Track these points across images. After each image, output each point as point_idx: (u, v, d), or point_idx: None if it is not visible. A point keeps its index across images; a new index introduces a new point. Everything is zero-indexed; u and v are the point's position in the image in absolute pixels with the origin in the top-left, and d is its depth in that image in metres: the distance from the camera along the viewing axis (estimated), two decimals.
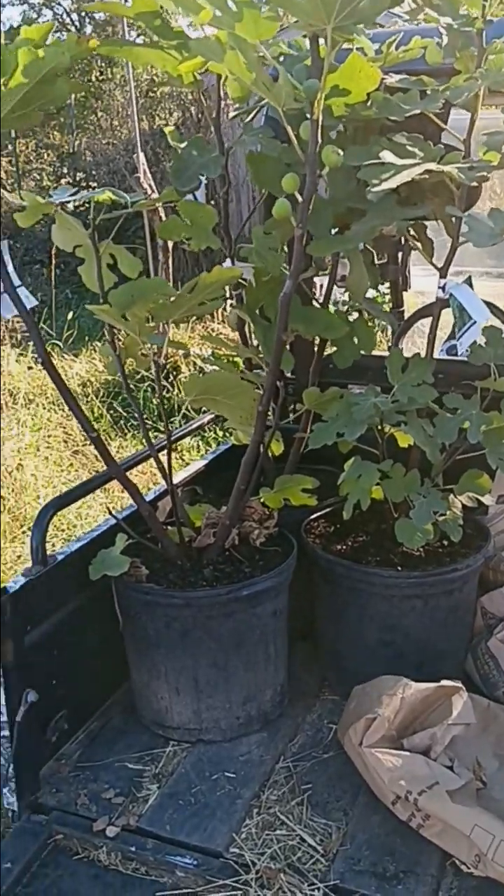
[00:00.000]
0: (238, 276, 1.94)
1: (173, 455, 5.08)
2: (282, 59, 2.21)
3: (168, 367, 7.14)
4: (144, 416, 5.90)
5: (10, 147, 10.84)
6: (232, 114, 2.25)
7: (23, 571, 1.95)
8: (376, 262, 3.05)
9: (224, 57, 1.78)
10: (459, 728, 1.89)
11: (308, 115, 1.89)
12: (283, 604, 2.15)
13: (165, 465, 2.15)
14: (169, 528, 2.22)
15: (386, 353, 2.71)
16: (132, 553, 2.08)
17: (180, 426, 5.56)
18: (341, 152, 1.87)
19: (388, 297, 4.65)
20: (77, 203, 2.13)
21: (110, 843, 1.85)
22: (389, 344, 4.31)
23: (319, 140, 1.84)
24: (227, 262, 2.34)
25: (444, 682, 1.96)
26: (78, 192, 2.09)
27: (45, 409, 6.23)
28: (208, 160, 2.10)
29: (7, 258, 1.93)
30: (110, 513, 2.16)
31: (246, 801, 1.94)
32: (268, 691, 2.15)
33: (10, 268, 1.97)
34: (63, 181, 10.65)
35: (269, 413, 2.51)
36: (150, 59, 2.14)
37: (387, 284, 3.62)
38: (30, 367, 6.76)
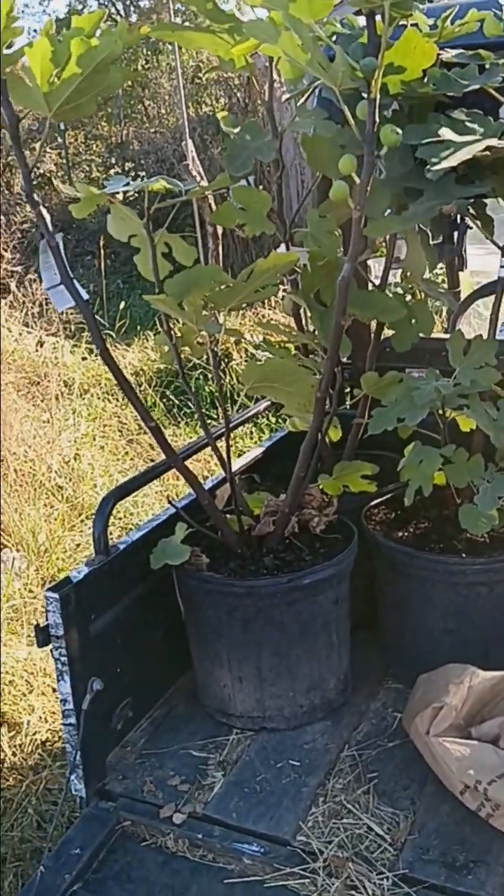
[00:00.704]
0: (295, 260, 1.92)
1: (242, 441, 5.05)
2: (335, 38, 2.17)
3: (220, 354, 7.16)
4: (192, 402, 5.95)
5: (59, 139, 10.90)
6: (285, 96, 2.22)
7: (85, 561, 1.97)
8: (431, 241, 3.00)
9: (278, 38, 1.75)
10: None
11: (363, 95, 1.85)
12: (345, 591, 2.13)
13: (224, 453, 2.14)
14: (228, 516, 2.21)
15: (443, 336, 2.67)
16: (192, 542, 2.08)
17: (234, 414, 5.59)
18: (400, 131, 1.82)
19: (441, 279, 4.57)
20: (130, 193, 2.12)
21: (177, 830, 1.86)
22: (445, 326, 4.25)
23: (377, 119, 1.80)
24: (282, 247, 2.32)
25: None
26: (131, 182, 2.09)
27: (99, 398, 6.29)
28: (262, 144, 2.07)
29: (62, 251, 1.93)
30: (170, 502, 2.16)
31: (311, 790, 1.93)
32: (331, 679, 2.14)
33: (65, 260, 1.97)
34: (112, 171, 10.70)
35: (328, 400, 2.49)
36: (202, 43, 2.12)
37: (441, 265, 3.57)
38: (84, 358, 6.83)
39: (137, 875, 1.81)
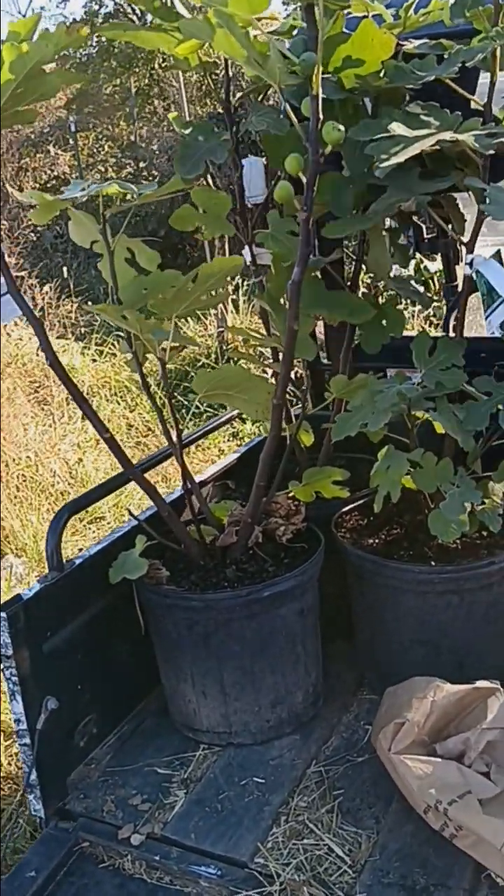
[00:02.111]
0: (240, 265, 1.86)
1: (228, 442, 4.99)
2: (296, 32, 2.11)
3: (229, 351, 7.09)
4: (202, 409, 5.90)
5: (71, 142, 10.93)
6: (239, 94, 2.16)
7: (38, 578, 1.93)
8: (426, 235, 2.92)
9: (213, 36, 1.69)
10: (496, 732, 1.78)
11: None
12: (311, 602, 2.07)
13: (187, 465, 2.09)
14: (193, 527, 2.16)
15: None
16: (155, 554, 2.04)
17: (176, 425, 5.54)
18: (342, 128, 1.76)
19: (438, 274, 4.48)
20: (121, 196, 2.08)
21: (135, 852, 1.82)
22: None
23: (321, 117, 1.73)
24: (246, 250, 2.26)
25: (480, 684, 1.85)
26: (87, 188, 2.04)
27: (108, 401, 6.28)
28: (215, 145, 2.01)
29: (5, 260, 1.89)
30: (131, 514, 2.12)
31: (274, 808, 1.88)
32: (299, 693, 2.08)
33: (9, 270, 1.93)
34: (124, 172, 10.69)
35: (297, 403, 2.43)
36: (155, 42, 2.07)
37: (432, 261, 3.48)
38: (94, 360, 6.82)
39: None
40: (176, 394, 6.51)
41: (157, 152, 10.48)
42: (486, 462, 2.17)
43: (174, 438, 2.07)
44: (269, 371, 2.48)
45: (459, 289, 3.66)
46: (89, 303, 2.04)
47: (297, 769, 1.98)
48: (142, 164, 10.85)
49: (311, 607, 2.07)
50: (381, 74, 1.96)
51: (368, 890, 1.66)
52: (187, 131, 2.04)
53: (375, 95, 2.09)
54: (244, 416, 3.81)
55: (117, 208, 2.09)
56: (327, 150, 1.78)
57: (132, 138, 11.41)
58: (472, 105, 2.03)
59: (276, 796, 1.91)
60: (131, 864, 1.82)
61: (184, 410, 6.32)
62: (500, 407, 1.97)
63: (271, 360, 2.38)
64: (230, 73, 2.15)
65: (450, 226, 3.33)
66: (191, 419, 6.14)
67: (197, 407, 6.14)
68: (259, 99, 2.21)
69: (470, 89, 2.03)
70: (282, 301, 2.17)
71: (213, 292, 1.86)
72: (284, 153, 2.10)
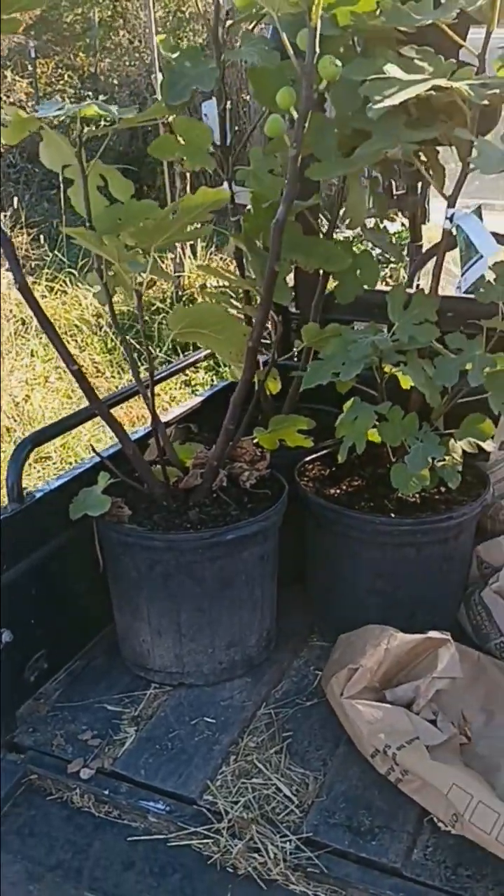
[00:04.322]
0: (225, 198, 1.81)
1: (181, 390, 4.94)
2: None
3: (185, 298, 6.99)
4: (161, 350, 5.82)
5: (29, 68, 10.51)
6: (230, 22, 2.08)
7: None
8: (395, 192, 2.89)
9: None
10: (444, 682, 1.82)
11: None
12: (271, 548, 2.07)
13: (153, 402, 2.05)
14: (156, 467, 2.13)
15: (386, 289, 2.58)
16: (117, 493, 2.01)
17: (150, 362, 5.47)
18: (340, 64, 1.71)
19: (396, 235, 4.44)
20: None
21: (84, 786, 1.82)
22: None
23: (317, 51, 1.68)
24: (224, 186, 2.20)
25: (432, 634, 1.88)
26: (65, 107, 1.95)
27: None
28: (202, 72, 1.95)
29: None
30: (94, 450, 2.08)
31: (224, 748, 1.89)
32: (253, 636, 2.09)
33: None
34: (84, 103, 10.35)
35: (266, 349, 2.40)
36: None
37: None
38: (43, 297, 6.65)
39: (40, 830, 1.76)
40: (128, 338, 6.42)
41: (119, 86, 10.15)
42: (447, 420, 2.18)
43: (142, 376, 2.02)
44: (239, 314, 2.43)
45: (428, 245, 3.68)
46: (63, 227, 1.95)
47: (247, 711, 2.00)
48: (102, 97, 10.52)
49: (272, 553, 2.07)
50: (378, 13, 1.90)
51: (315, 829, 1.69)
52: (174, 56, 1.96)
53: (366, 36, 2.04)
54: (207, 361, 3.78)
55: (91, 133, 2.01)
56: (322, 86, 1.73)
57: (93, 70, 11.04)
58: (461, 55, 2.00)
59: (225, 736, 1.93)
60: (80, 798, 1.82)
61: (136, 355, 6.23)
62: (470, 364, 1.98)
63: (241, 304, 2.34)
64: (221, 1, 2.07)
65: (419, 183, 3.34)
66: (142, 364, 6.06)
67: (150, 351, 6.06)
68: (245, 29, 2.13)
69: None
70: (258, 243, 2.14)
71: (197, 225, 1.80)
72: (271, 87, 2.04)
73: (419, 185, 3.44)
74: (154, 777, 1.82)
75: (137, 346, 4.07)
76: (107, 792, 1.80)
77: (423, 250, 3.56)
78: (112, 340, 6.19)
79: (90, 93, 10.16)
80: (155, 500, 2.08)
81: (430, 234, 3.73)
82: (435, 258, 3.53)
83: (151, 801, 1.78)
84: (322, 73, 1.68)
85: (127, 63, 10.90)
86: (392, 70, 1.74)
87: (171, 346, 5.82)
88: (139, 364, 1.99)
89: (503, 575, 2.14)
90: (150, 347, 1.97)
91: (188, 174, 6.77)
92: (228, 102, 2.18)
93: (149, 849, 1.71)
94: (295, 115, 1.74)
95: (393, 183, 2.88)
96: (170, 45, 1.98)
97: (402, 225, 4.81)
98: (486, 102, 1.78)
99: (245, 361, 1.93)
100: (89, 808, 1.80)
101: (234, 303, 2.32)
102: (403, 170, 2.81)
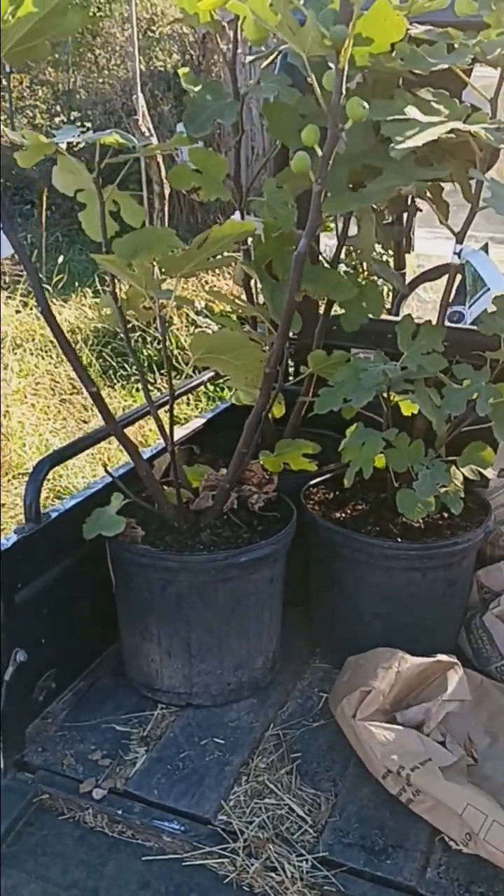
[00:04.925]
0: (252, 230, 1.86)
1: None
2: (304, 1, 2.10)
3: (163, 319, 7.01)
4: (134, 368, 5.83)
5: (3, 82, 10.50)
6: (249, 58, 2.14)
7: (15, 528, 1.89)
8: (383, 222, 2.97)
9: None
10: (454, 704, 1.87)
11: (330, 64, 1.79)
12: (280, 570, 2.11)
13: (166, 423, 2.08)
14: (166, 488, 2.16)
15: (390, 318, 2.65)
16: (127, 513, 2.03)
17: (173, 379, 5.46)
18: (367, 105, 1.77)
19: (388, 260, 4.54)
20: (75, 144, 2.03)
21: (96, 806, 1.83)
22: (388, 307, 4.25)
23: (344, 91, 1.74)
24: (237, 215, 2.25)
25: (440, 657, 1.93)
26: (82, 134, 1.99)
27: (32, 354, 6.12)
28: (223, 106, 2.00)
29: (5, 198, 1.83)
30: (107, 471, 2.10)
31: (235, 768, 1.92)
32: (259, 658, 2.12)
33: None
34: (57, 119, 10.36)
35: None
36: None
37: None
38: (18, 311, 6.62)
39: (53, 849, 1.76)
40: (104, 354, 6.42)
41: (93, 104, 10.18)
42: (447, 447, 2.25)
43: (155, 395, 2.05)
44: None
45: (412, 274, 3.77)
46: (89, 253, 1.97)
47: (255, 732, 2.03)
48: (75, 114, 10.54)
49: (280, 575, 2.11)
50: (393, 55, 1.98)
51: (330, 849, 1.72)
52: (196, 89, 2.01)
53: (375, 77, 2.11)
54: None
55: (111, 160, 2.04)
56: (347, 125, 1.79)
57: (66, 87, 11.05)
58: (467, 98, 2.09)
59: (235, 757, 1.95)
60: (93, 818, 1.82)
61: (111, 372, 6.24)
62: (477, 394, 2.05)
63: (249, 328, 2.39)
64: (238, 36, 2.12)
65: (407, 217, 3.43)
66: (118, 381, 6.07)
67: (125, 368, 6.07)
68: (263, 66, 2.19)
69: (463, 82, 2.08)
70: (275, 272, 2.19)
71: (221, 254, 1.85)
72: (285, 122, 2.11)
73: (405, 215, 3.55)
74: (167, 797, 1.84)
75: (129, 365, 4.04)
76: (120, 812, 1.82)
77: (407, 279, 3.67)
78: (87, 357, 6.18)
79: (65, 109, 10.18)
80: (166, 521, 2.11)
81: (410, 263, 3.85)
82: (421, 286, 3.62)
83: (165, 820, 1.79)
84: (350, 113, 1.74)
85: (100, 81, 10.94)
86: (413, 112, 1.81)
87: (148, 366, 5.85)
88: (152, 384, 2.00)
89: None
90: (170, 367, 1.99)
91: (167, 196, 6.81)
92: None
93: (164, 868, 1.73)
94: (319, 151, 1.80)
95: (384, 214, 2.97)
96: (192, 79, 2.02)
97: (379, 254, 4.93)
98: (502, 146, 1.85)
99: (262, 386, 1.97)
100: (102, 828, 1.81)
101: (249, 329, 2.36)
102: (392, 202, 2.90)
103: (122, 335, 2.03)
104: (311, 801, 1.85)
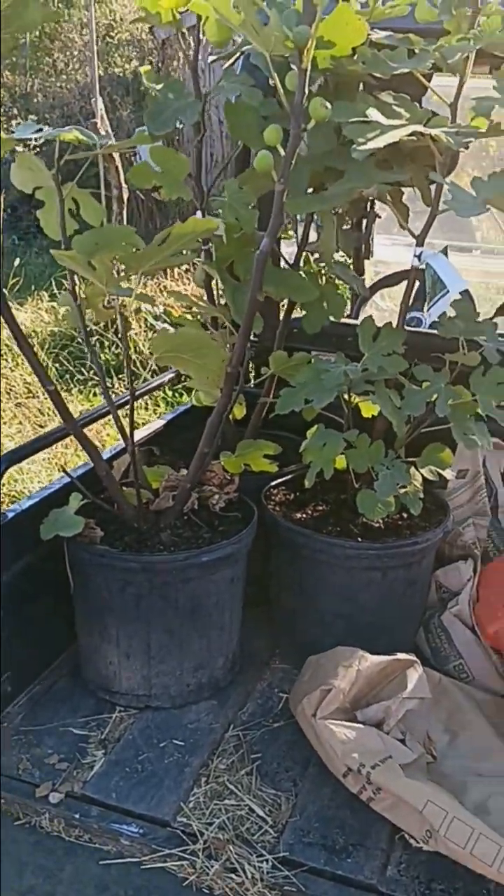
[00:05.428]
0: (214, 228, 1.86)
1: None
2: (266, 1, 2.11)
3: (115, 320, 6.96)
4: (91, 372, 5.78)
5: None
6: (211, 58, 2.14)
7: None
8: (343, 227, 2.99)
9: None
10: (414, 702, 1.88)
11: (292, 66, 1.80)
12: (241, 571, 2.10)
13: (126, 424, 2.06)
14: (126, 489, 2.14)
15: (350, 321, 2.67)
16: (86, 514, 2.00)
17: (131, 383, 5.42)
18: (329, 106, 1.78)
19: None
20: (36, 143, 2.01)
21: (53, 810, 1.80)
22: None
23: (306, 91, 1.75)
24: (198, 216, 2.24)
25: (400, 655, 1.94)
26: (42, 130, 1.97)
27: None
28: (185, 105, 2.00)
29: None
30: (65, 471, 2.07)
31: (194, 770, 1.90)
32: (220, 659, 2.11)
33: None
34: (14, 123, 10.26)
35: None
36: None
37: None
38: None
39: (9, 855, 1.73)
40: (60, 357, 6.36)
41: (51, 108, 10.12)
42: (406, 449, 2.26)
43: (115, 395, 2.03)
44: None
45: (370, 279, 3.79)
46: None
47: (215, 733, 2.01)
48: (32, 117, 10.45)
49: (241, 575, 2.10)
50: (355, 58, 1.99)
51: (291, 849, 1.71)
52: (158, 87, 2.00)
53: (336, 80, 2.13)
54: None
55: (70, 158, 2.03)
56: (310, 126, 1.80)
57: (24, 90, 10.96)
58: (427, 103, 2.12)
59: (195, 758, 1.94)
60: (49, 822, 1.79)
61: (68, 377, 6.18)
62: (436, 396, 2.07)
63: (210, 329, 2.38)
64: (200, 36, 2.12)
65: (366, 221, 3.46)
66: (75, 386, 6.01)
67: (81, 373, 6.01)
68: (226, 67, 2.19)
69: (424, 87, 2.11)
70: (237, 273, 2.19)
71: (183, 252, 1.84)
72: (247, 123, 2.11)
73: (364, 221, 3.58)
74: (125, 800, 1.82)
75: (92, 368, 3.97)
76: (77, 816, 1.79)
77: (366, 284, 3.70)
78: (44, 360, 6.11)
79: (22, 112, 10.09)
80: (125, 521, 2.09)
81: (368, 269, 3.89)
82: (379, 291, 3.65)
83: (124, 823, 1.77)
84: (313, 114, 1.75)
85: (58, 85, 10.87)
86: (374, 114, 1.83)
87: (106, 371, 5.80)
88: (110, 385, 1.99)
89: (462, 599, 2.22)
90: (130, 367, 1.98)
91: (125, 198, 6.78)
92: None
93: (122, 872, 1.70)
94: (282, 151, 1.81)
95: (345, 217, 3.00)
96: (154, 77, 2.02)
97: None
98: (464, 149, 1.87)
99: (224, 387, 1.96)
100: (59, 833, 1.78)
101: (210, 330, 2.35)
102: (351, 207, 2.92)
103: (80, 337, 2.01)
104: (272, 802, 1.84)
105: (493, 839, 1.62)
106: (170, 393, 5.32)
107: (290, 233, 2.58)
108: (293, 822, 1.78)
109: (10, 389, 5.78)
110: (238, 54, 2.19)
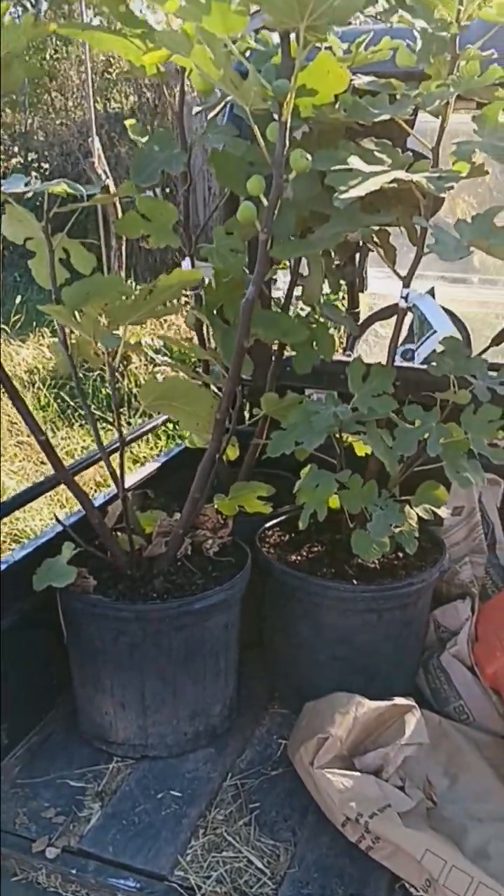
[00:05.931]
0: (199, 279, 1.87)
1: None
2: (248, 54, 2.14)
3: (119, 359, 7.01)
4: (93, 407, 5.80)
5: None
6: (196, 108, 2.17)
7: None
8: (334, 263, 3.01)
9: (191, 51, 1.70)
10: (412, 748, 1.86)
11: (275, 116, 1.83)
12: (235, 616, 2.09)
13: (118, 469, 2.06)
14: (118, 534, 2.14)
15: (342, 359, 2.68)
16: (79, 562, 2.00)
17: (130, 418, 5.43)
18: (310, 157, 1.80)
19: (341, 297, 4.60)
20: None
21: (50, 865, 1.78)
22: (342, 345, 4.30)
23: (287, 143, 1.77)
24: (186, 262, 2.27)
25: (398, 700, 1.93)
26: (30, 184, 1.99)
27: None
28: (170, 156, 2.02)
29: None
30: (58, 520, 2.08)
31: (192, 821, 1.88)
32: (217, 706, 2.09)
33: None
34: (13, 161, 10.39)
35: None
36: (113, 45, 2.05)
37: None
38: None
39: None
40: (62, 394, 6.39)
41: (50, 145, 10.25)
42: (400, 487, 2.26)
43: (113, 437, 2.04)
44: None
45: (365, 313, 3.82)
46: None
47: (213, 782, 2.00)
48: (32, 156, 10.59)
49: (235, 621, 2.09)
50: (337, 107, 2.02)
51: None
52: (144, 140, 2.03)
53: (320, 128, 2.16)
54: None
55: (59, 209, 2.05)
56: (292, 176, 1.81)
57: (23, 128, 11.11)
58: (412, 144, 2.14)
59: (193, 809, 1.92)
60: (46, 878, 1.77)
61: (70, 411, 6.20)
62: (427, 435, 2.07)
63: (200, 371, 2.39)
64: (185, 88, 2.15)
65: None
66: (76, 421, 6.03)
67: (74, 410, 6.03)
68: (211, 116, 2.22)
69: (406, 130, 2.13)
70: (226, 317, 2.20)
71: (168, 303, 1.85)
72: (232, 171, 2.14)
73: (357, 256, 3.61)
74: (122, 854, 1.80)
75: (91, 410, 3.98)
76: (74, 871, 1.77)
77: (361, 318, 3.73)
78: (45, 397, 6.15)
79: (21, 151, 10.22)
80: (118, 568, 2.08)
81: (365, 302, 3.92)
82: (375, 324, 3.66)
83: (121, 878, 1.75)
84: (294, 165, 1.77)
85: (57, 122, 11.02)
86: (355, 162, 1.85)
87: (107, 405, 5.83)
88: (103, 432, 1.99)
89: (461, 639, 2.21)
90: (119, 414, 1.99)
91: (124, 239, 6.85)
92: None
93: None
94: (265, 201, 1.82)
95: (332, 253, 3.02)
96: (139, 130, 2.04)
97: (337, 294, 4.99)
98: (444, 195, 1.89)
99: (213, 432, 1.97)
100: (56, 888, 1.77)
101: (196, 372, 2.37)
102: (343, 244, 2.94)
103: (72, 382, 2.02)
104: (270, 853, 1.82)
105: (492, 888, 1.60)
106: (170, 426, 5.34)
107: (287, 264, 2.60)
108: (292, 874, 1.75)
109: (12, 426, 5.81)
110: (223, 104, 2.22)
